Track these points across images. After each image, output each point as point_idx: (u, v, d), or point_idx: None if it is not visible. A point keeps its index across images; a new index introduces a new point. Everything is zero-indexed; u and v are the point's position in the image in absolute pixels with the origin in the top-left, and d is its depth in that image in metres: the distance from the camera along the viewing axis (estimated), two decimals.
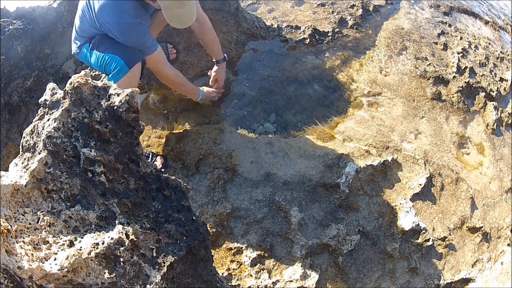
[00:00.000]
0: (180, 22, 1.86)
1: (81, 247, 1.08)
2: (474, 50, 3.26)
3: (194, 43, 2.72)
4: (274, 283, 1.79)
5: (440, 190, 2.26)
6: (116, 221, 1.16)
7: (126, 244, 1.12)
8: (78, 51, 2.03)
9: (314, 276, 1.81)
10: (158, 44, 1.96)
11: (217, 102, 2.56)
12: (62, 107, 1.19)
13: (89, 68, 2.46)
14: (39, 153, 1.16)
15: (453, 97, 2.75)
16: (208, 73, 2.54)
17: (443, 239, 2.09)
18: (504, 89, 3.02)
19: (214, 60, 2.45)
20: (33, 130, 1.22)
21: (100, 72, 2.40)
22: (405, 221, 2.03)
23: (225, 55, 2.45)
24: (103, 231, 1.14)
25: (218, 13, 2.84)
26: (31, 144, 1.20)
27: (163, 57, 2.04)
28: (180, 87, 2.23)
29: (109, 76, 1.88)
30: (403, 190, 2.17)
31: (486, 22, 3.84)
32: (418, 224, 2.04)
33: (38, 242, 1.06)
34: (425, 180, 2.21)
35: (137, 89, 1.23)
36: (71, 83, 1.20)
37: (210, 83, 2.52)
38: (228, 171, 2.12)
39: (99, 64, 1.90)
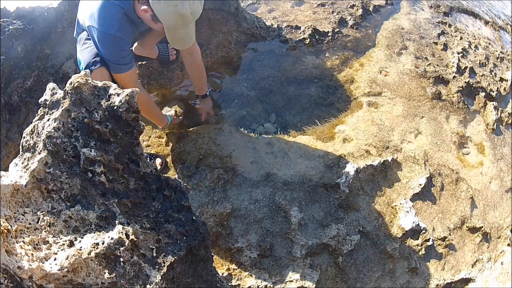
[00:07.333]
0: (182, 43, 1.89)
1: (81, 247, 1.08)
2: (474, 50, 3.26)
3: None
4: (274, 283, 1.79)
5: (440, 190, 2.26)
6: (116, 221, 1.16)
7: (126, 244, 1.12)
8: (76, 37, 2.04)
9: (314, 276, 1.81)
10: (134, 63, 1.89)
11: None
12: (62, 107, 1.19)
13: None
14: (39, 153, 1.16)
15: (453, 97, 2.75)
16: (196, 105, 2.50)
17: (443, 239, 2.09)
18: (504, 89, 3.03)
19: (196, 94, 2.39)
20: (33, 130, 1.22)
21: None
22: (405, 221, 2.03)
23: (208, 90, 2.38)
24: (103, 231, 1.14)
25: (218, 13, 2.84)
26: (31, 144, 1.20)
27: (135, 78, 1.96)
28: (149, 112, 2.09)
29: None
30: (403, 190, 2.17)
31: (486, 22, 3.84)
32: (418, 224, 2.04)
33: (38, 242, 1.06)
34: (425, 180, 2.20)
35: (137, 89, 1.23)
36: (71, 83, 1.20)
37: (201, 118, 2.43)
38: (228, 171, 2.12)
39: (77, 61, 1.94)
